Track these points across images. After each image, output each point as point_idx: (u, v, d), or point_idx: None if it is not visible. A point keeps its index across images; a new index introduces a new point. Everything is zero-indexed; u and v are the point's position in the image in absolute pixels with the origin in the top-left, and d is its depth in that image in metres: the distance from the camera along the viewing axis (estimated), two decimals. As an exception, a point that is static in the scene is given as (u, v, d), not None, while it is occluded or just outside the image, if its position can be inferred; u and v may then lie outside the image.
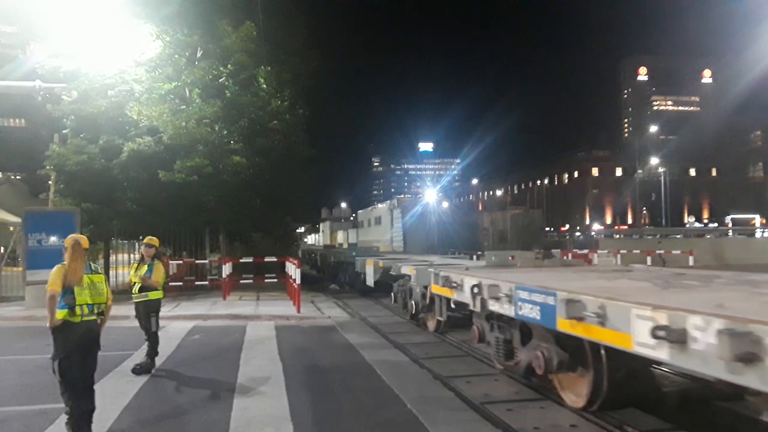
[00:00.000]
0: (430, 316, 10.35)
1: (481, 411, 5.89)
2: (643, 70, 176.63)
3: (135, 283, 7.90)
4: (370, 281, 13.85)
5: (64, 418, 5.04)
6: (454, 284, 7.53)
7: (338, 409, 6.04)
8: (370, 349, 9.28)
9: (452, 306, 8.69)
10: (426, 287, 9.66)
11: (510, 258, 9.77)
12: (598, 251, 20.54)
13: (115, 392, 6.57)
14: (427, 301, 9.82)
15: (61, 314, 5.01)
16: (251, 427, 5.40)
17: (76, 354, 5.03)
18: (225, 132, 17.81)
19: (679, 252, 19.48)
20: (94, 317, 5.19)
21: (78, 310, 5.06)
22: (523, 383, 6.99)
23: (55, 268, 5.14)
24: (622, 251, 20.08)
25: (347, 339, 10.23)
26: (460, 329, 10.22)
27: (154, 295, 7.78)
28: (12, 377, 7.55)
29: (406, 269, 11.18)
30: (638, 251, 20.42)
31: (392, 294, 12.30)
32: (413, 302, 10.61)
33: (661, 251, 19.95)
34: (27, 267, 14.72)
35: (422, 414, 5.72)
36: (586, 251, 20.94)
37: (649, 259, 17.76)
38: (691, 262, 17.44)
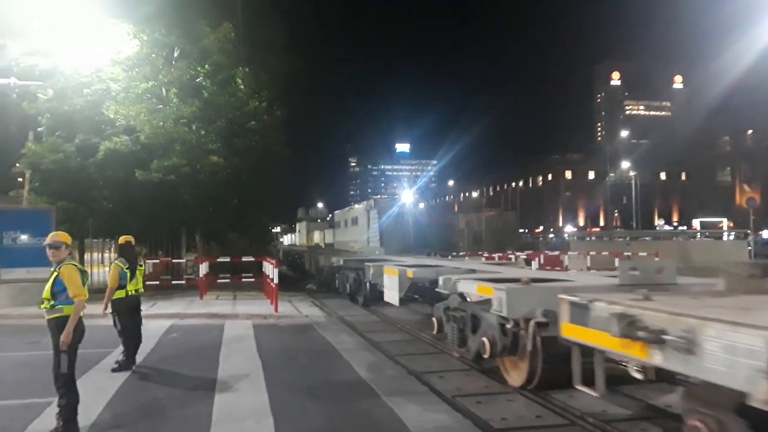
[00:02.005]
0: (513, 362, 6.88)
1: (453, 403, 6.18)
2: (616, 75, 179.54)
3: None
4: (392, 297, 10.64)
5: (54, 409, 5.21)
6: (665, 336, 3.76)
7: (317, 403, 6.26)
8: (347, 346, 9.53)
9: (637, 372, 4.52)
10: (517, 321, 6.34)
11: (657, 273, 6.47)
12: (569, 253, 21.17)
13: (96, 388, 6.70)
14: (529, 346, 6.26)
15: (71, 309, 5.19)
16: (233, 420, 5.61)
17: (77, 345, 5.25)
18: (202, 132, 17.91)
19: (645, 254, 20.11)
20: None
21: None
22: (493, 378, 7.29)
23: (70, 271, 5.25)
24: (591, 253, 20.71)
25: (325, 337, 10.46)
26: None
27: (116, 294, 7.94)
28: (-9, 374, 7.64)
29: (471, 286, 7.45)
30: (606, 253, 21.09)
31: (434, 319, 8.64)
32: (486, 340, 6.75)
33: (629, 253, 20.61)
34: (1, 265, 14.67)
35: (397, 407, 5.98)
36: (557, 253, 21.55)
37: (617, 260, 18.31)
38: (656, 264, 18.01)
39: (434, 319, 8.62)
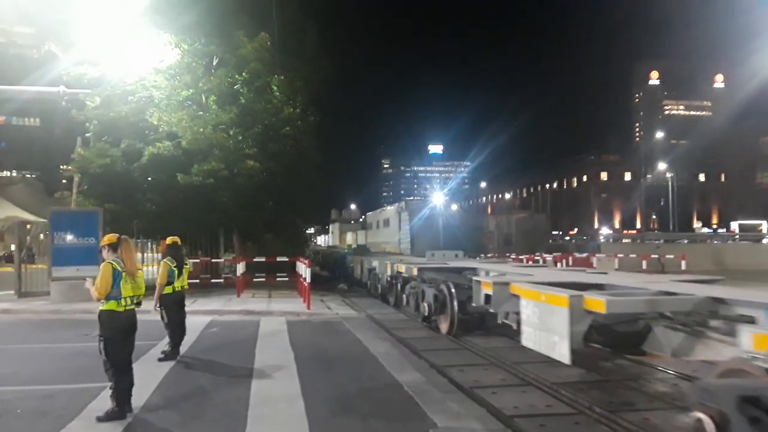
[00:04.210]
0: None
1: (470, 393, 6.68)
2: (655, 74, 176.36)
3: None
4: (554, 347, 5.95)
5: (108, 392, 5.87)
6: None
7: (343, 390, 6.83)
8: (374, 342, 10.07)
9: None
10: None
11: None
12: (597, 255, 21.41)
13: (146, 375, 7.35)
14: None
15: (109, 305, 5.83)
16: (268, 403, 6.22)
17: (119, 337, 5.88)
18: (240, 137, 18.67)
19: (672, 256, 20.21)
20: (133, 306, 6.05)
21: (123, 301, 5.90)
22: (510, 372, 7.76)
23: (103, 269, 5.84)
24: (619, 255, 20.89)
25: (354, 333, 11.02)
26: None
27: (165, 290, 8.62)
28: (49, 362, 8.42)
29: None
30: (634, 255, 21.24)
31: (703, 419, 3.79)
32: None
33: (656, 255, 20.74)
34: (52, 264, 15.60)
35: (417, 395, 6.51)
36: (585, 254, 21.81)
37: (644, 263, 18.51)
38: (683, 267, 18.17)
39: (704, 417, 3.83)
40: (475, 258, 18.62)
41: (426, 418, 5.72)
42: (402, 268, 13.59)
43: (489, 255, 23.60)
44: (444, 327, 10.79)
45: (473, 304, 8.17)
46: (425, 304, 11.64)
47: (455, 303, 10.20)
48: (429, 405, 6.12)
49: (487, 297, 7.66)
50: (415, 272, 12.48)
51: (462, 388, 6.96)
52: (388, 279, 15.52)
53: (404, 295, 13.74)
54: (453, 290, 10.33)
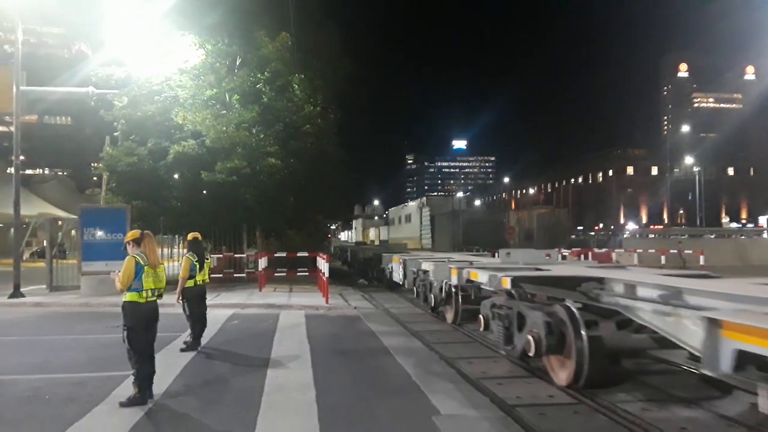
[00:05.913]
0: None
1: (476, 384, 6.93)
2: (683, 67, 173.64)
3: None
4: None
5: (131, 379, 6.25)
6: None
7: (355, 380, 7.14)
8: (389, 335, 10.38)
9: None
10: None
11: None
12: (616, 250, 21.41)
13: (167, 364, 7.75)
14: None
15: (131, 296, 6.22)
16: (282, 391, 6.56)
17: (141, 326, 6.26)
18: (262, 135, 19.11)
19: (690, 252, 20.12)
20: (154, 298, 6.42)
21: (144, 294, 6.26)
22: (518, 364, 7.97)
23: (126, 262, 6.22)
24: (638, 250, 20.85)
25: (369, 327, 11.35)
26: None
27: (187, 284, 8.98)
28: (80, 352, 8.88)
29: None
30: (653, 250, 21.17)
31: None
32: None
33: (674, 250, 20.67)
34: (82, 259, 16.18)
35: (425, 385, 6.79)
36: (605, 250, 21.80)
37: (663, 257, 18.49)
38: (701, 262, 18.11)
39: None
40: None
41: (430, 405, 6.00)
42: (478, 276, 9.16)
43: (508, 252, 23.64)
44: (562, 375, 6.88)
45: (707, 372, 4.51)
46: (529, 337, 7.12)
47: (584, 337, 6.47)
48: (435, 394, 6.39)
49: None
50: (506, 285, 8.06)
51: (468, 378, 7.20)
52: (451, 289, 11.44)
53: (480, 316, 8.93)
54: (578, 316, 6.65)
